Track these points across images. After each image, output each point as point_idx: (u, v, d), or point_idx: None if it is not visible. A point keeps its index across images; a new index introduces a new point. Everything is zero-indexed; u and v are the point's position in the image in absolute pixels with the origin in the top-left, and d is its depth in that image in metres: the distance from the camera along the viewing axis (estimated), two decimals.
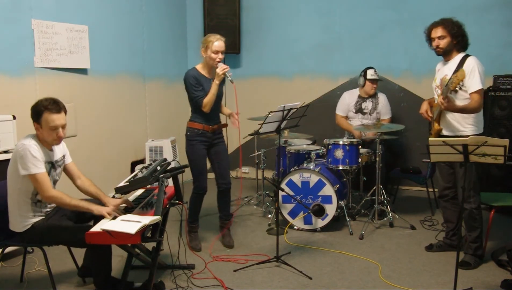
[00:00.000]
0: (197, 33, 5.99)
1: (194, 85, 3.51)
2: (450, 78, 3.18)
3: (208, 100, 3.50)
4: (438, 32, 3.33)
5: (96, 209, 2.73)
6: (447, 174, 3.48)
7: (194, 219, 3.76)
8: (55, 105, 2.70)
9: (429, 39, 3.43)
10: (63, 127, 2.75)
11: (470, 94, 3.20)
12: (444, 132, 3.38)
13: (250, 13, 5.98)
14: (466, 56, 3.32)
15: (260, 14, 5.96)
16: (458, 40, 3.31)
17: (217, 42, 3.48)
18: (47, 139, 2.74)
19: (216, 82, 3.49)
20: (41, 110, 2.68)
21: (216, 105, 3.63)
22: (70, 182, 3.02)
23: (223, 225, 3.88)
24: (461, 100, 3.26)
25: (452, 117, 3.32)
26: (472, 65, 3.21)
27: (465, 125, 3.28)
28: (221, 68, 3.46)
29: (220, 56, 3.50)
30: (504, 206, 3.64)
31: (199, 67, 3.60)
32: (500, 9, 4.94)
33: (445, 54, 3.38)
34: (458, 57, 3.34)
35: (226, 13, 5.82)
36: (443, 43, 3.32)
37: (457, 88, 3.13)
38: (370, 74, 4.73)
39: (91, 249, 2.75)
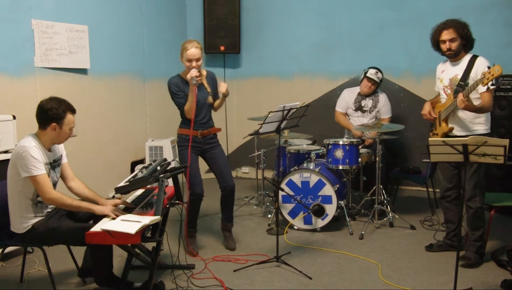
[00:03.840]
0: (197, 33, 5.99)
1: (176, 93, 3.53)
2: (482, 74, 3.09)
3: (187, 107, 3.48)
4: (450, 34, 3.28)
5: (98, 209, 2.74)
6: (451, 175, 3.48)
7: (191, 225, 3.71)
8: (73, 107, 2.82)
9: (436, 41, 3.39)
10: None
11: (481, 93, 3.21)
12: (456, 132, 3.37)
13: (250, 13, 5.98)
14: (475, 56, 3.32)
15: (260, 14, 5.96)
16: (466, 40, 3.31)
17: (190, 50, 3.39)
18: (60, 139, 2.79)
19: (190, 87, 3.43)
20: (65, 111, 2.74)
21: (205, 110, 3.60)
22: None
23: (224, 227, 3.83)
24: (472, 99, 3.25)
25: (465, 117, 3.32)
26: (483, 65, 3.23)
27: (478, 124, 3.30)
28: (189, 74, 3.40)
29: (194, 64, 3.41)
30: (504, 206, 3.64)
31: (183, 73, 3.57)
32: (500, 9, 4.94)
33: (456, 55, 3.36)
34: (466, 57, 3.34)
35: (226, 13, 5.82)
36: (454, 45, 3.29)
37: (488, 85, 3.11)
38: (370, 72, 4.73)
39: (92, 248, 2.76)
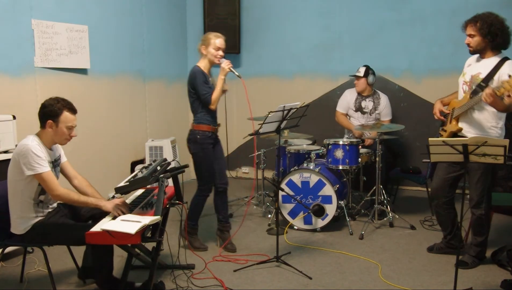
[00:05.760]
0: (197, 33, 5.99)
1: (204, 82, 3.49)
2: (501, 82, 2.94)
3: (216, 96, 3.48)
4: (469, 30, 3.18)
5: (104, 205, 2.74)
6: (447, 177, 3.35)
7: (197, 222, 3.74)
8: (72, 106, 2.79)
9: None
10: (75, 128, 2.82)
11: None
12: (466, 133, 3.21)
13: (250, 13, 5.98)
14: (505, 59, 3.11)
15: (260, 14, 5.95)
16: (489, 39, 3.11)
17: (218, 40, 3.52)
18: (59, 138, 2.78)
19: (221, 77, 3.49)
20: (61, 109, 2.72)
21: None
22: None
23: (222, 229, 3.79)
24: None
25: (480, 118, 3.17)
26: (507, 71, 3.03)
27: (493, 128, 3.15)
28: (226, 63, 3.48)
29: (221, 53, 3.53)
30: (504, 206, 3.63)
31: (200, 65, 3.58)
32: (500, 9, 4.88)
33: (479, 52, 3.21)
34: (495, 58, 3.15)
35: (226, 13, 5.82)
36: (473, 42, 3.16)
37: (507, 94, 2.89)
38: (356, 71, 4.81)
39: (92, 247, 2.76)
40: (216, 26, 5.80)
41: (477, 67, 3.23)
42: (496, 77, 3.09)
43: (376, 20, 5.45)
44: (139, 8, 5.24)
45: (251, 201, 5.02)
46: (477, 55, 3.29)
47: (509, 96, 2.86)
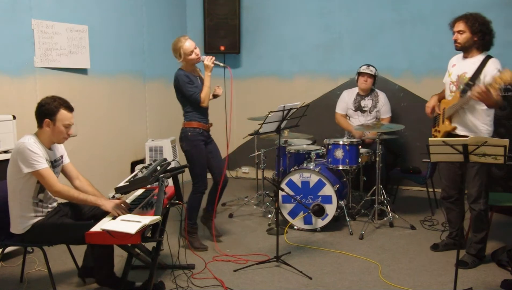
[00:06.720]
0: (197, 33, 5.99)
1: (188, 82, 3.52)
2: (492, 79, 3.02)
3: (205, 93, 3.52)
4: (458, 26, 3.26)
5: (103, 204, 2.74)
6: (453, 175, 3.43)
7: (195, 221, 3.75)
8: (69, 104, 2.79)
9: (453, 32, 3.35)
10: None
11: None
12: (459, 131, 3.30)
13: (250, 13, 5.98)
14: (488, 57, 3.22)
15: (260, 14, 5.96)
16: (479, 37, 3.21)
17: (187, 43, 3.53)
18: (56, 136, 2.78)
19: (207, 74, 3.54)
20: (57, 107, 2.73)
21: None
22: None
23: (209, 216, 3.83)
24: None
25: (471, 117, 3.24)
26: (493, 69, 3.14)
27: (483, 125, 3.23)
28: (208, 59, 3.54)
29: (197, 52, 3.55)
30: (504, 206, 3.63)
31: (182, 67, 3.60)
32: (500, 9, 4.94)
33: (464, 50, 3.30)
34: (479, 56, 3.25)
35: (226, 13, 5.82)
36: (461, 38, 3.25)
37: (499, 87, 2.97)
38: (361, 68, 4.77)
39: (92, 247, 2.76)
40: (216, 26, 5.80)
41: (463, 67, 3.33)
42: (482, 76, 3.20)
43: (376, 20, 5.45)
44: (139, 8, 5.24)
45: (250, 201, 5.02)
46: (460, 55, 3.40)
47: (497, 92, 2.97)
